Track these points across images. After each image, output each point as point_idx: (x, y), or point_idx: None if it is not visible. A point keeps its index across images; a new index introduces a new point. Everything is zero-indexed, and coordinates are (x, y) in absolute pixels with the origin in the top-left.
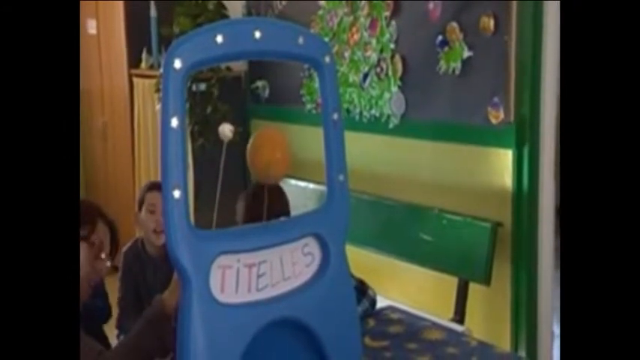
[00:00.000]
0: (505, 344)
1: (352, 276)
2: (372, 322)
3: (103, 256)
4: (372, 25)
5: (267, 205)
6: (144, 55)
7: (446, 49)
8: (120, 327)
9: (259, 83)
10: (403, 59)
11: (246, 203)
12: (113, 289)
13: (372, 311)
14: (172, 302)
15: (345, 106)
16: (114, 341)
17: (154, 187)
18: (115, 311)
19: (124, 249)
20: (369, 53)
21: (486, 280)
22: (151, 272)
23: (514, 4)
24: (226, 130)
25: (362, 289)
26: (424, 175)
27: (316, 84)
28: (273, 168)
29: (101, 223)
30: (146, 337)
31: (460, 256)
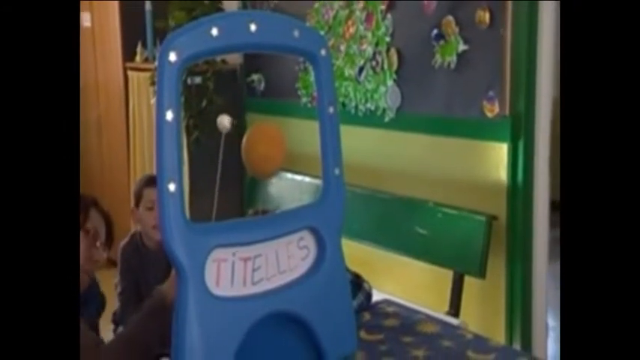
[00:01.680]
0: (500, 337)
1: (348, 270)
2: (367, 316)
3: (98, 244)
4: (368, 19)
5: None
6: (139, 49)
7: (441, 42)
8: (119, 321)
9: (255, 76)
10: (399, 53)
11: None
12: (109, 283)
13: (367, 305)
14: (172, 293)
15: (341, 99)
16: (107, 335)
17: (152, 182)
18: (112, 305)
19: (122, 243)
20: (364, 47)
21: (481, 274)
22: (150, 265)
23: None
24: (225, 121)
25: (358, 283)
26: (419, 169)
27: (312, 77)
28: (268, 163)
29: (94, 212)
30: (146, 329)
31: (455, 250)
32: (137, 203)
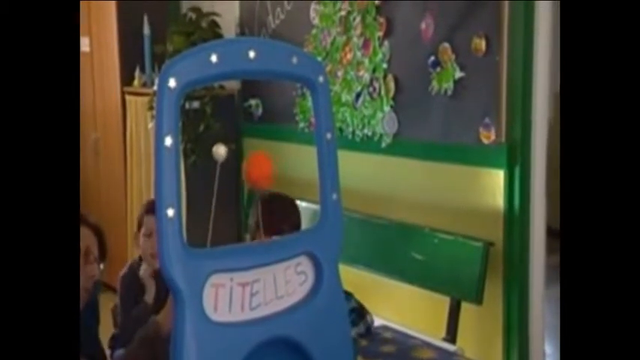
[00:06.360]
0: None
1: (353, 297)
2: (364, 342)
3: (92, 259)
4: (365, 45)
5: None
6: (137, 73)
7: (438, 69)
8: (117, 347)
9: (252, 102)
10: (396, 79)
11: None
12: (106, 307)
13: (365, 335)
14: (167, 324)
15: (338, 125)
16: None
17: (152, 209)
18: (109, 329)
19: (121, 273)
20: (361, 73)
21: (478, 300)
22: (148, 292)
23: (505, 25)
24: (221, 150)
25: (361, 313)
26: (416, 195)
27: (309, 103)
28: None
29: (84, 228)
30: (139, 358)
31: (452, 276)
32: (139, 228)
